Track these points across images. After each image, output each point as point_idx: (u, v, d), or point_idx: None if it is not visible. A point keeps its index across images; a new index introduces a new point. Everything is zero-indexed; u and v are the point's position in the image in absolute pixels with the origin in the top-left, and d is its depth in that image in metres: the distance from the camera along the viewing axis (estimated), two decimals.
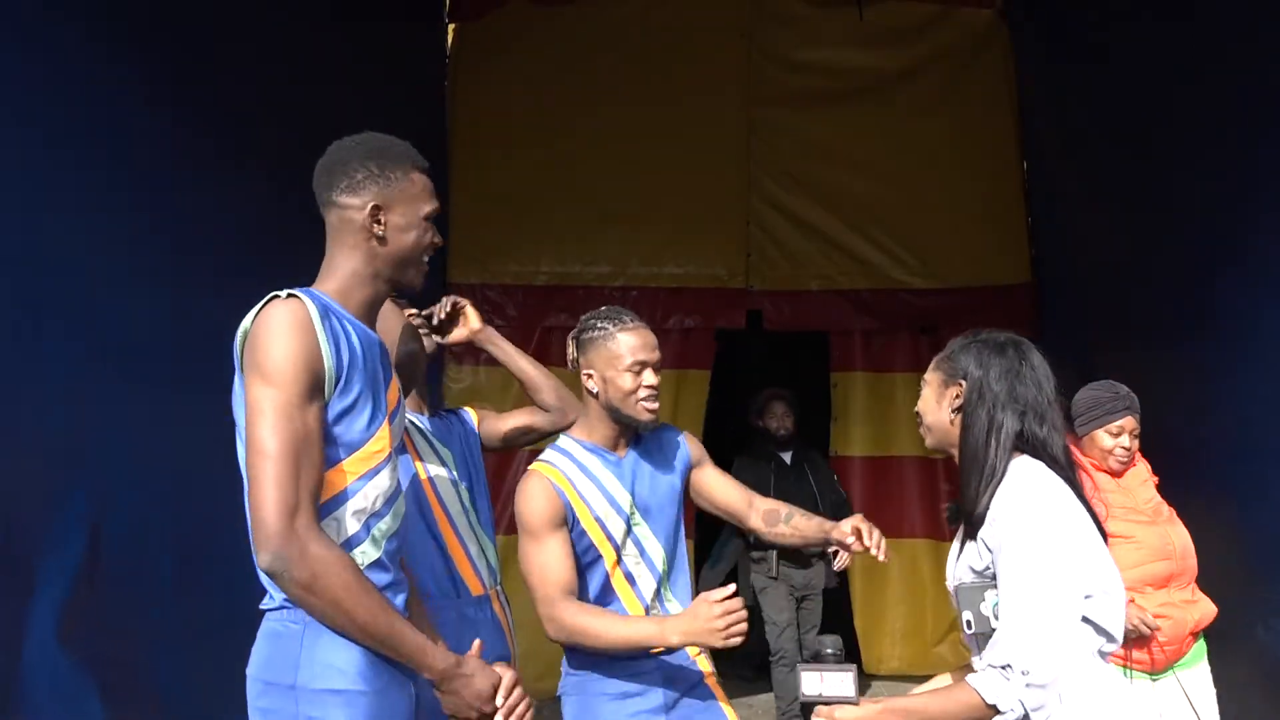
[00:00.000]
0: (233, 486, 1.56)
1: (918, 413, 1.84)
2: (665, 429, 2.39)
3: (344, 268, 1.66)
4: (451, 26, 6.15)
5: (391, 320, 2.15)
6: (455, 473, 2.32)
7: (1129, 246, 4.84)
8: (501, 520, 5.66)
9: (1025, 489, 1.64)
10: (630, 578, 2.18)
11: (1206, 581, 3.07)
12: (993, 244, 6.09)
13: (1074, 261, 5.59)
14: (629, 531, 2.18)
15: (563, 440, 2.29)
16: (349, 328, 1.61)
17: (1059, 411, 1.74)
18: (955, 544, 1.83)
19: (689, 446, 2.39)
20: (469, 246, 5.94)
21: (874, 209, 6.11)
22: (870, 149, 6.11)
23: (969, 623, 1.69)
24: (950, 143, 6.06)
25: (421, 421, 2.35)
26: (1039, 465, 1.68)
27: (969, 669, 1.70)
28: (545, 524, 2.10)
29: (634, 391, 2.15)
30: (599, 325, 2.21)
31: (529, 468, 2.23)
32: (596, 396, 2.21)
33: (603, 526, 2.16)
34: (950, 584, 1.80)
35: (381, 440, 1.62)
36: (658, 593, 2.21)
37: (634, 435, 2.26)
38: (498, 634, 2.26)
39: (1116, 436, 2.99)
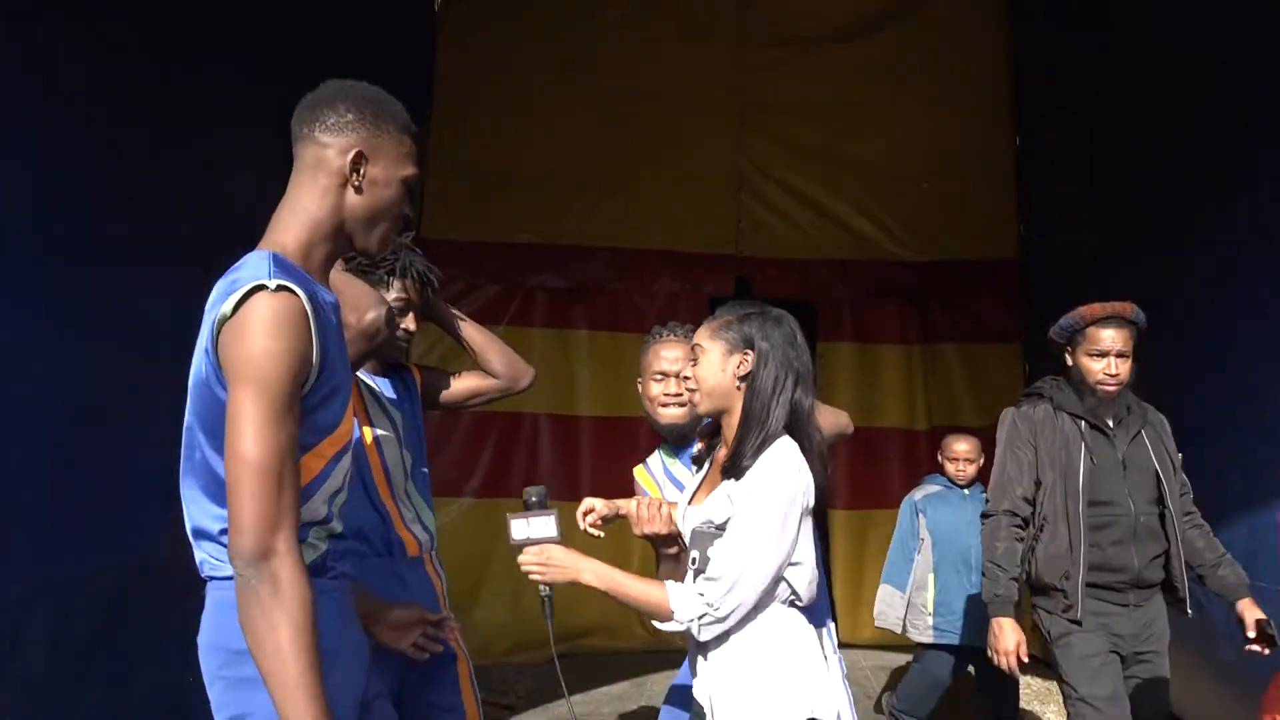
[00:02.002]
0: None
1: (692, 376, 1.98)
2: None
3: (306, 214, 1.56)
4: None
5: (355, 290, 2.05)
6: (402, 436, 2.27)
7: (1116, 227, 4.83)
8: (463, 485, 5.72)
9: (776, 465, 1.84)
10: None
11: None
12: (982, 220, 6.10)
13: (1061, 240, 5.59)
14: None
15: (662, 445, 2.50)
16: (322, 301, 1.53)
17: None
18: (691, 489, 2.05)
19: None
20: (448, 203, 5.83)
21: (866, 181, 6.10)
22: (864, 121, 6.08)
23: (695, 559, 1.90)
24: (945, 117, 6.04)
25: (375, 383, 2.28)
26: (793, 446, 1.88)
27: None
28: None
29: (654, 399, 2.37)
30: (645, 340, 2.47)
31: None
32: None
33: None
34: (683, 522, 2.00)
35: (349, 420, 1.60)
36: None
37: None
38: (429, 595, 2.23)
39: None
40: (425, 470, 2.37)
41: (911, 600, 3.97)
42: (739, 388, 1.91)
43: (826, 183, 6.10)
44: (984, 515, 2.97)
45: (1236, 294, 3.85)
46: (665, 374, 2.37)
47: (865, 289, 6.14)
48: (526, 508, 1.88)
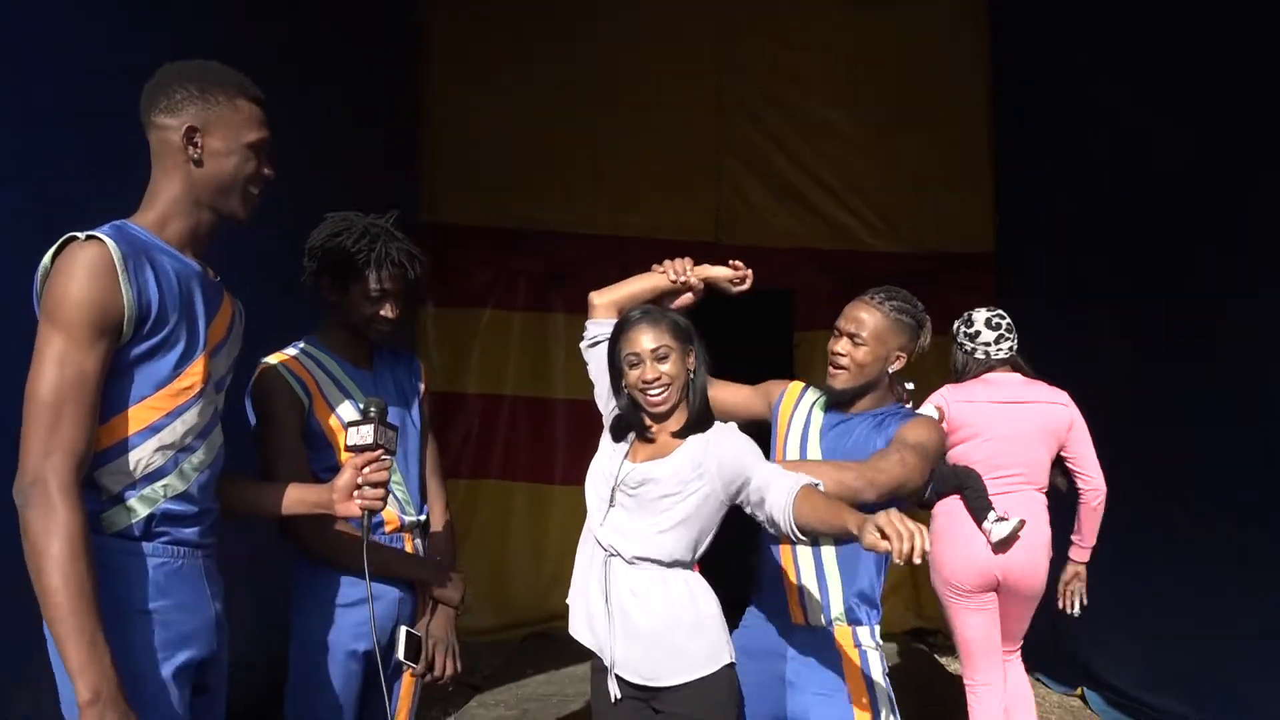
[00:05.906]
0: None
1: (665, 376, 2.21)
2: None
3: (164, 194, 1.66)
4: None
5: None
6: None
7: (1093, 221, 4.89)
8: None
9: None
10: None
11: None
12: (958, 211, 6.15)
13: (1037, 232, 5.64)
14: None
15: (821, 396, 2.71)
16: (165, 262, 1.60)
17: None
18: (622, 451, 2.33)
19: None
20: (441, 185, 5.88)
21: (844, 171, 6.14)
22: (842, 112, 6.12)
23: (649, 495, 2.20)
24: (922, 108, 6.07)
25: (344, 368, 2.25)
26: None
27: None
28: None
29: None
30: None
31: None
32: None
33: None
34: (618, 471, 2.27)
35: (193, 376, 1.63)
36: None
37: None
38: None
39: None
40: (413, 451, 2.37)
41: None
42: (691, 379, 2.28)
43: (805, 172, 6.14)
44: None
45: (1210, 286, 3.91)
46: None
47: (842, 278, 6.17)
48: (365, 416, 1.87)
